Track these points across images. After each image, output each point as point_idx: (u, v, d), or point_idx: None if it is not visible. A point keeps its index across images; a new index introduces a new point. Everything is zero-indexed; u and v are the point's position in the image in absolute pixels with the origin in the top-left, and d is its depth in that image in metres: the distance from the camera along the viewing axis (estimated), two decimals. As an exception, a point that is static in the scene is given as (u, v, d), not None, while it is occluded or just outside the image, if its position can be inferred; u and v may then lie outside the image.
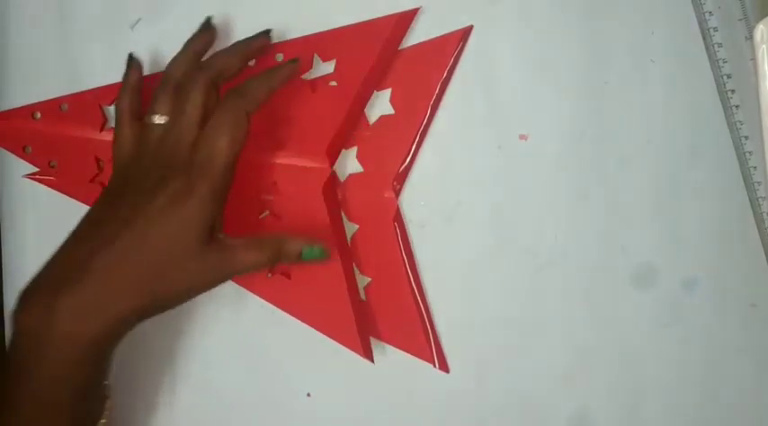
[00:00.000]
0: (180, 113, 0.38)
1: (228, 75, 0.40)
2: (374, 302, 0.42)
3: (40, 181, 0.43)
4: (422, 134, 0.42)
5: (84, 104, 0.43)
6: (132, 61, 0.41)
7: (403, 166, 0.42)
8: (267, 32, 0.41)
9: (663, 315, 0.42)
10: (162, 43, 0.44)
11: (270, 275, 0.42)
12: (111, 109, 0.43)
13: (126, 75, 0.41)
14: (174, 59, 0.40)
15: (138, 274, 0.35)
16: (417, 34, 0.42)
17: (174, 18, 0.44)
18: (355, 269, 0.42)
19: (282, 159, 0.42)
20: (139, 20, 0.44)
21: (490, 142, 0.42)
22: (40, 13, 0.45)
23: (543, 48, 0.42)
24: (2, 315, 0.45)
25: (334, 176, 0.42)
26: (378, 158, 0.42)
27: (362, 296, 0.42)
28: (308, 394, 0.43)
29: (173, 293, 0.36)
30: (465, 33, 0.41)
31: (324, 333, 0.41)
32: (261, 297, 0.42)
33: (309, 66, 0.42)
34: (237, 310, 0.44)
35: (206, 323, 0.44)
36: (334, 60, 0.41)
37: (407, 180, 0.42)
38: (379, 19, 0.41)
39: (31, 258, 0.44)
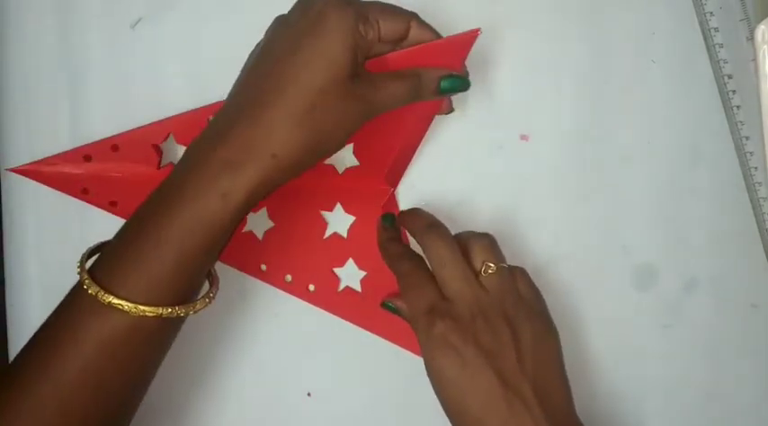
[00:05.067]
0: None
1: (388, 38, 0.37)
2: (370, 296, 0.42)
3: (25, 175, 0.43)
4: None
5: (137, 144, 0.42)
6: None
7: (397, 157, 0.41)
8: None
9: (663, 315, 0.42)
10: (163, 43, 0.44)
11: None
12: (165, 145, 0.42)
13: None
14: None
15: (290, 110, 0.34)
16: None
17: (175, 17, 0.44)
18: (353, 263, 0.42)
19: (345, 182, 0.42)
20: (140, 19, 0.44)
21: (491, 142, 0.42)
22: (40, 12, 0.45)
23: (544, 48, 0.42)
24: (3, 313, 0.45)
25: (393, 197, 0.42)
26: (372, 152, 0.42)
27: (359, 289, 0.42)
28: (309, 394, 0.43)
29: (326, 132, 0.35)
30: (472, 37, 0.39)
31: (392, 342, 0.42)
32: (332, 313, 0.42)
33: None
34: (238, 311, 0.44)
35: (206, 323, 0.44)
36: None
37: (409, 180, 0.43)
38: (437, 42, 0.39)
39: (32, 257, 0.44)
